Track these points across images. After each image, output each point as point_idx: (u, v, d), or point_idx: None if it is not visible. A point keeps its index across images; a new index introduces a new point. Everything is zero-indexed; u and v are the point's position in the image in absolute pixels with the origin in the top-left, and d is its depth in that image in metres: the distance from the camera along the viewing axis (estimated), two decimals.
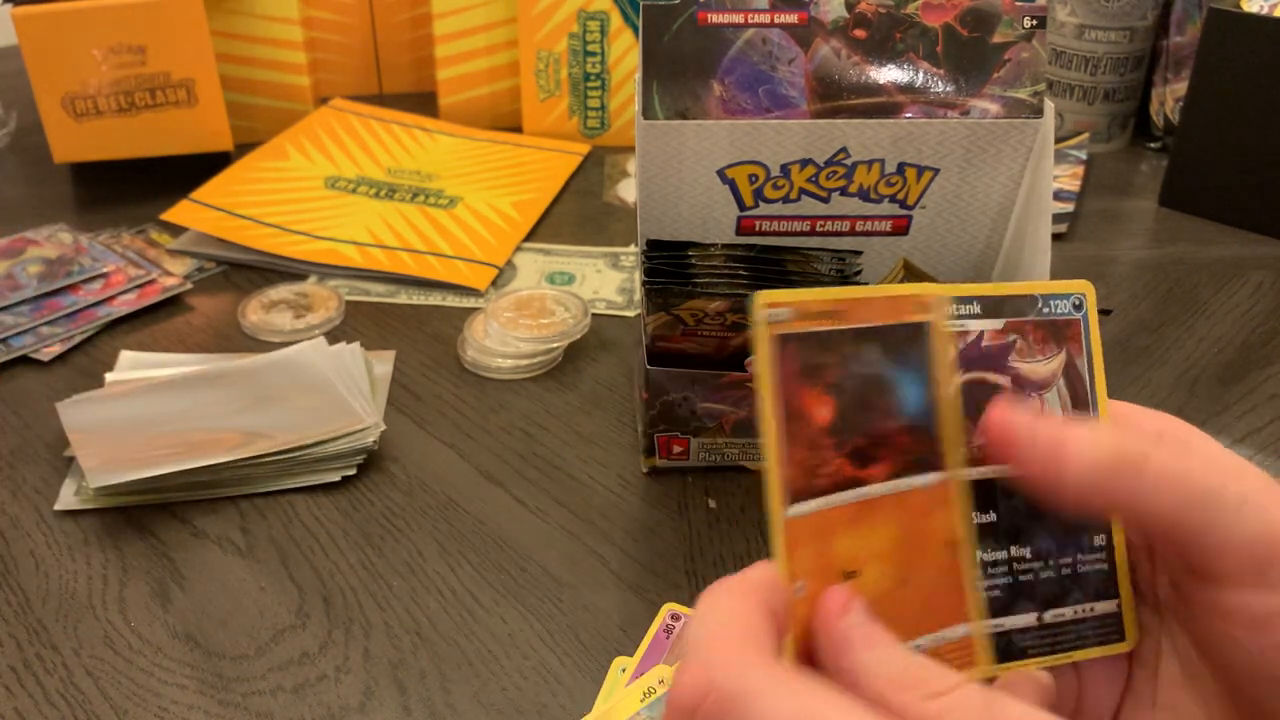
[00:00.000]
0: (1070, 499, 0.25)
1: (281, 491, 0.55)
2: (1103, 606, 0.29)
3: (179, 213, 0.78)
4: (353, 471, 0.56)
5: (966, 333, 0.28)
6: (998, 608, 0.28)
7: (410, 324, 0.69)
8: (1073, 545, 0.29)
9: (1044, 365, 0.29)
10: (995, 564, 0.28)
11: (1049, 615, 0.29)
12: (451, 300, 0.71)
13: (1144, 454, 0.24)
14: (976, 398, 0.28)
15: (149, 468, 0.53)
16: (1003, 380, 0.29)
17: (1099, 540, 0.29)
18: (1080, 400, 0.29)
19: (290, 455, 0.55)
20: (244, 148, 0.88)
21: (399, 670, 0.46)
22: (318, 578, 0.50)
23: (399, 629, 0.48)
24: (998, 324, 0.29)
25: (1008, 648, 0.28)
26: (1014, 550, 0.28)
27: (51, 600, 0.49)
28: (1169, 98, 0.93)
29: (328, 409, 0.58)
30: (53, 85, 0.78)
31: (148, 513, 0.54)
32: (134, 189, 0.84)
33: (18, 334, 0.67)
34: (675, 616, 0.47)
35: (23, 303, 0.69)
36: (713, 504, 0.55)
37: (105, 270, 0.72)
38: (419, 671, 0.46)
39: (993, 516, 0.28)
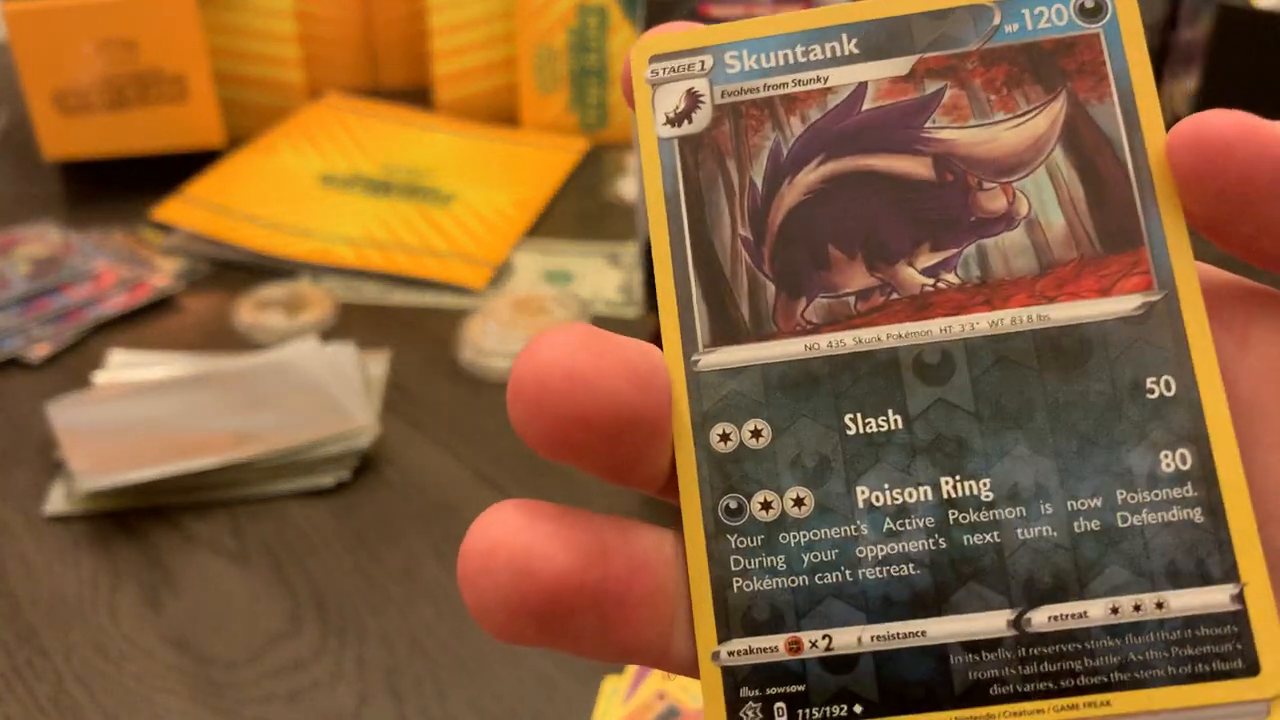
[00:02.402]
0: None
1: (275, 496, 0.54)
2: (1192, 599, 0.15)
3: (170, 210, 0.77)
4: (347, 475, 0.55)
5: (822, 92, 0.16)
6: (907, 600, 0.15)
7: (405, 324, 0.68)
8: (1104, 471, 0.15)
9: (1011, 128, 0.16)
10: (900, 512, 0.15)
11: (1040, 615, 0.15)
12: (448, 300, 0.71)
13: None
14: (853, 202, 0.16)
15: (140, 470, 0.52)
16: (910, 166, 0.16)
17: (1175, 461, 0.15)
18: (1112, 184, 0.16)
19: (283, 458, 0.54)
20: (237, 144, 0.87)
21: (394, 677, 0.45)
22: (311, 583, 0.50)
23: (394, 635, 0.47)
24: (897, 67, 0.16)
25: (941, 678, 0.15)
26: (950, 485, 0.15)
27: (42, 605, 0.49)
28: (1178, 94, 0.92)
29: (320, 411, 0.57)
30: (44, 81, 0.77)
31: (139, 517, 0.53)
32: (125, 186, 0.83)
33: (7, 335, 0.66)
34: None
35: (12, 303, 0.68)
36: None
37: (95, 270, 0.71)
38: (414, 678, 0.45)
39: (893, 421, 0.16)
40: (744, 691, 0.15)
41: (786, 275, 0.16)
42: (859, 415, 0.15)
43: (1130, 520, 0.15)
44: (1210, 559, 0.15)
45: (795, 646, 0.15)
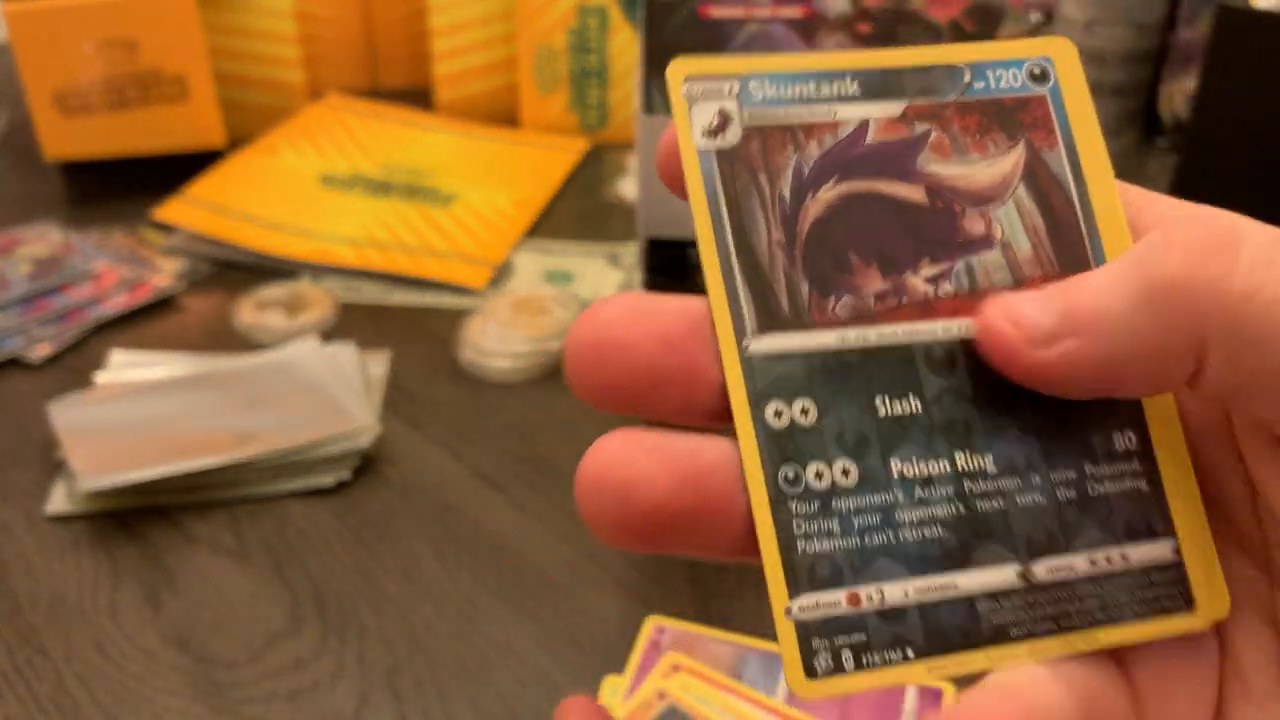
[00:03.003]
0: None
1: (275, 495, 0.54)
2: (1145, 552, 0.18)
3: (171, 211, 0.77)
4: (347, 475, 0.55)
5: (833, 124, 0.19)
6: (939, 556, 0.18)
7: (405, 324, 0.68)
8: (1074, 449, 0.18)
9: (985, 167, 0.19)
10: (926, 482, 0.18)
11: (1041, 568, 0.18)
12: (448, 300, 0.71)
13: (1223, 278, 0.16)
14: (866, 218, 0.19)
15: (140, 470, 0.52)
16: (909, 192, 0.19)
17: (1124, 441, 0.19)
18: (1063, 216, 0.19)
19: (283, 458, 0.54)
20: (237, 144, 0.87)
21: (394, 677, 0.45)
22: (312, 583, 0.50)
23: (395, 635, 0.47)
24: (891, 109, 0.19)
25: (972, 623, 0.18)
26: (963, 459, 0.18)
27: (42, 605, 0.48)
28: (1177, 94, 0.92)
29: (321, 411, 0.57)
30: (44, 81, 0.77)
31: (139, 516, 0.53)
32: (125, 186, 0.83)
33: (7, 335, 0.66)
34: (660, 629, 0.46)
35: (13, 303, 0.68)
36: None
37: (96, 270, 0.71)
38: (415, 678, 0.45)
39: (914, 405, 0.18)
40: (815, 642, 0.17)
41: (817, 275, 0.18)
42: (887, 398, 0.18)
43: (1097, 489, 0.18)
44: (1154, 519, 0.18)
45: (855, 600, 0.17)
